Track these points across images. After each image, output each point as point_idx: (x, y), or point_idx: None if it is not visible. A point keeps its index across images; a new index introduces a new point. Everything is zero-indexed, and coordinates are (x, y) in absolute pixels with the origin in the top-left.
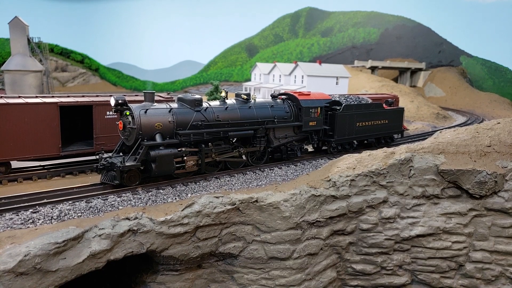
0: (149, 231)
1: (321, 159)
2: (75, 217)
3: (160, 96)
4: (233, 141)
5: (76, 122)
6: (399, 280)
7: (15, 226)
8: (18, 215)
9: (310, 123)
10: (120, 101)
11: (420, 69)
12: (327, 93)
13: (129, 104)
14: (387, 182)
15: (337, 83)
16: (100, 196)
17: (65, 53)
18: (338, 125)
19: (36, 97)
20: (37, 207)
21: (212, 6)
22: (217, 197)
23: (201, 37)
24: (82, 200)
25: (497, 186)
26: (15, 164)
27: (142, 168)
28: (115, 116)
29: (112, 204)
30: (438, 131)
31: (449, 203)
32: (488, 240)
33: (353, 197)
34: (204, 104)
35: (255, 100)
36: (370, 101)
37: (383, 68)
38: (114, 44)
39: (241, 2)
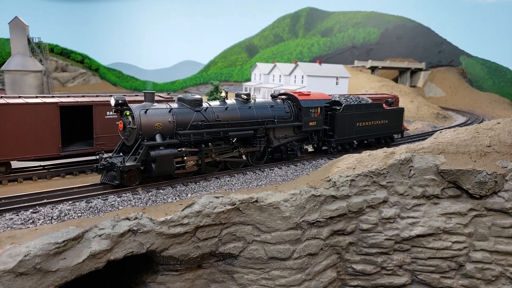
0: (149, 231)
1: (321, 159)
2: (75, 217)
3: (160, 96)
4: (233, 141)
5: (76, 122)
6: (399, 280)
7: (15, 226)
8: (18, 215)
9: (310, 123)
10: (120, 101)
11: (420, 69)
12: (327, 93)
13: (129, 104)
14: (387, 182)
15: (337, 83)
16: (100, 196)
17: (65, 53)
18: (338, 125)
19: (36, 97)
20: (37, 207)
21: (212, 6)
22: (217, 197)
23: (201, 37)
24: (82, 200)
25: (497, 186)
26: (15, 164)
27: (142, 168)
28: (115, 116)
29: (112, 204)
30: (438, 131)
31: (449, 203)
32: (488, 240)
33: (353, 197)
34: (204, 104)
35: (255, 100)
36: (370, 101)
37: (383, 68)
38: (114, 44)
39: (241, 2)
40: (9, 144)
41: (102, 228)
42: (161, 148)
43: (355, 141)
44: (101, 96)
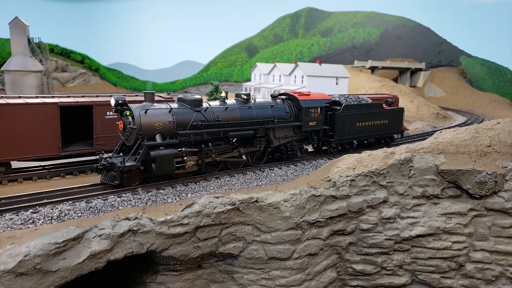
0: (149, 231)
1: (321, 159)
2: (75, 217)
3: (160, 96)
4: (233, 141)
5: (76, 122)
6: (399, 280)
7: (15, 226)
8: (18, 215)
9: (310, 123)
10: (120, 101)
11: (420, 69)
12: (327, 93)
13: (129, 104)
14: (387, 182)
15: (337, 83)
16: (100, 196)
17: (65, 53)
18: (338, 125)
19: (36, 97)
20: (37, 207)
21: (212, 6)
22: (217, 197)
23: (201, 37)
24: (82, 200)
25: (497, 186)
26: (15, 164)
27: (142, 168)
28: (115, 116)
29: (112, 204)
30: (438, 131)
31: (449, 203)
32: (488, 240)
33: (353, 197)
34: (204, 104)
35: (255, 100)
36: (370, 101)
37: (383, 68)
38: (114, 44)
39: (241, 2)
40: (9, 144)
41: (102, 228)
42: (161, 148)
43: (355, 141)
44: (101, 96)
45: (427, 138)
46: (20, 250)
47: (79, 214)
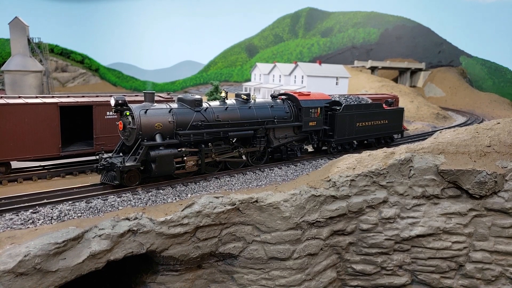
0: (149, 231)
1: (321, 159)
2: (75, 217)
3: (160, 96)
4: (233, 141)
5: (76, 122)
6: (399, 280)
7: (15, 226)
8: (18, 216)
9: (310, 123)
10: (120, 101)
11: (420, 69)
12: (327, 93)
13: (129, 104)
14: (387, 182)
15: (337, 83)
16: (100, 197)
17: (65, 53)
18: (338, 125)
19: (36, 97)
20: (37, 207)
21: (212, 6)
22: (217, 197)
23: (201, 37)
24: (82, 201)
25: (497, 186)
26: (15, 164)
27: (142, 168)
28: (115, 116)
29: (112, 205)
30: (438, 131)
31: (449, 203)
32: (488, 240)
33: (353, 197)
34: (204, 104)
35: (255, 100)
36: (370, 101)
37: (383, 68)
38: (114, 44)
39: (241, 2)
40: (9, 144)
41: (102, 228)
42: (161, 148)
43: (355, 141)
44: (101, 96)
45: (427, 138)
46: (20, 250)
47: (79, 214)
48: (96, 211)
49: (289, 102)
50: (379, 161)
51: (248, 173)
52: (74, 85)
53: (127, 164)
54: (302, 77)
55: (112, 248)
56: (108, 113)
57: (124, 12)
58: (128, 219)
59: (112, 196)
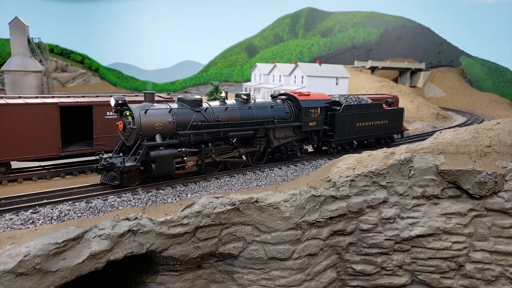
0: (149, 231)
1: (321, 160)
2: (75, 217)
3: (160, 97)
4: (233, 141)
5: (76, 123)
6: (399, 281)
7: (15, 226)
8: (18, 216)
9: (310, 124)
10: (120, 102)
11: (420, 70)
12: (327, 93)
13: (129, 105)
14: (387, 183)
15: (337, 84)
16: (100, 197)
17: (65, 54)
18: (338, 125)
19: (36, 97)
20: (37, 207)
21: (212, 6)
22: (217, 198)
23: (201, 37)
24: (82, 201)
25: (497, 187)
26: (15, 164)
27: (142, 168)
28: (115, 116)
29: (112, 205)
30: (438, 132)
31: (449, 203)
32: (488, 240)
33: (353, 198)
34: (204, 105)
35: (255, 100)
36: (370, 101)
37: (383, 68)
38: (114, 44)
39: (241, 2)
40: (9, 144)
41: (102, 229)
42: (161, 148)
43: (355, 141)
44: (101, 96)
45: (427, 138)
46: (20, 250)
47: (79, 214)
48: (96, 211)
49: (289, 102)
50: (379, 161)
51: (248, 173)
52: (74, 85)
53: (127, 164)
54: (302, 77)
55: (112, 248)
56: (108, 113)
57: (124, 12)
58: (128, 219)
59: (112, 196)
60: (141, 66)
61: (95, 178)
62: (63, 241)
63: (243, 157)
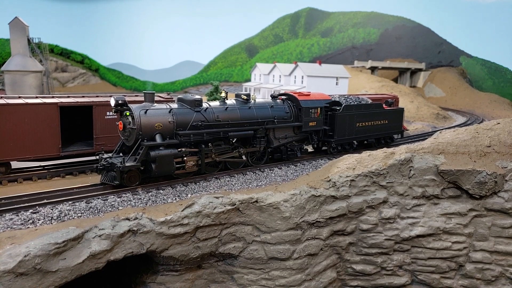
0: (149, 231)
1: (321, 160)
2: (75, 217)
3: (160, 97)
4: (233, 141)
5: (76, 123)
6: (399, 281)
7: (15, 226)
8: (18, 216)
9: (310, 124)
10: (120, 102)
11: (420, 70)
12: (327, 93)
13: (129, 105)
14: (387, 183)
15: (337, 84)
16: (100, 197)
17: (65, 54)
18: (338, 125)
19: (36, 97)
20: (37, 207)
21: (212, 6)
22: (217, 198)
23: (201, 37)
24: (82, 201)
25: (497, 187)
26: (15, 164)
27: (142, 168)
28: (115, 116)
29: (112, 205)
30: (438, 132)
31: (449, 203)
32: (488, 240)
33: (353, 198)
34: (204, 105)
35: (255, 100)
36: (370, 101)
37: (383, 68)
38: (114, 44)
39: (241, 2)
40: (9, 144)
41: (102, 229)
42: (161, 148)
43: (355, 142)
44: (101, 96)
45: (427, 138)
46: (20, 250)
47: (79, 214)
48: (96, 211)
49: (289, 102)
50: (379, 161)
51: (248, 173)
52: (74, 85)
53: (127, 164)
54: (302, 77)
55: (112, 248)
56: (108, 113)
57: (124, 12)
58: (128, 219)
59: (112, 196)
60: (141, 66)
61: (95, 178)
62: (63, 241)
63: (243, 157)
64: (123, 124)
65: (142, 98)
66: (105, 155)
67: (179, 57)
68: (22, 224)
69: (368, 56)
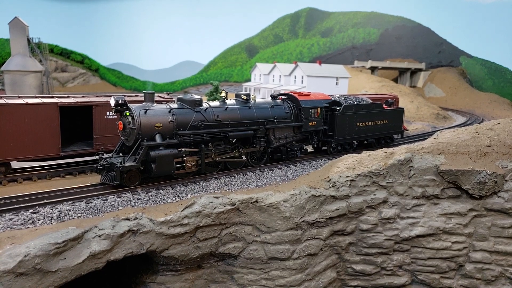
0: (149, 231)
1: (321, 160)
2: (75, 217)
3: (160, 97)
4: (233, 141)
5: (76, 123)
6: (399, 281)
7: (15, 226)
8: (18, 216)
9: (310, 124)
10: (120, 102)
11: (420, 70)
12: (327, 93)
13: (129, 105)
14: (387, 183)
15: (337, 84)
16: (100, 197)
17: (65, 54)
18: (338, 125)
19: (36, 97)
20: (37, 207)
21: (212, 6)
22: (217, 198)
23: (201, 37)
24: (82, 201)
25: (497, 187)
26: (15, 164)
27: (142, 168)
28: (115, 116)
29: (112, 205)
30: (438, 132)
31: (449, 203)
32: (488, 240)
33: (353, 198)
34: (204, 105)
35: (255, 100)
36: (370, 101)
37: (383, 68)
38: (114, 44)
39: (241, 2)
40: (9, 144)
41: (102, 229)
42: (161, 148)
43: (355, 142)
44: (101, 96)
45: (427, 138)
46: (20, 250)
47: (79, 214)
48: (96, 211)
49: (289, 102)
50: (379, 161)
51: (248, 173)
52: (74, 85)
53: (127, 164)
54: (302, 77)
55: (112, 248)
56: (108, 113)
57: (124, 12)
58: (128, 219)
59: (112, 196)
60: (141, 66)
61: (95, 178)
62: (63, 241)
63: (243, 157)
64: (123, 124)
65: (142, 98)
66: (105, 155)
67: (179, 57)
68: (22, 224)
69: (368, 56)
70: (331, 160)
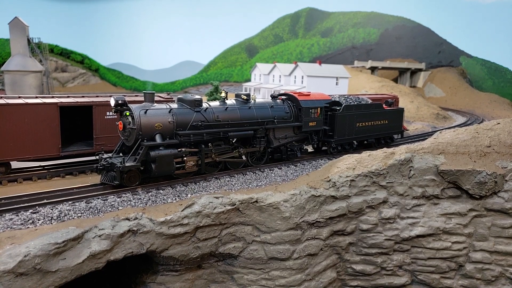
0: (149, 231)
1: (321, 160)
2: (75, 217)
3: (160, 97)
4: (233, 141)
5: (76, 123)
6: (399, 281)
7: (15, 226)
8: (18, 216)
9: (310, 124)
10: (120, 102)
11: (420, 70)
12: (327, 93)
13: (129, 105)
14: (387, 183)
15: (337, 84)
16: (100, 197)
17: (65, 54)
18: (338, 125)
19: (36, 97)
20: (37, 207)
21: (212, 6)
22: (217, 198)
23: (201, 37)
24: (82, 201)
25: (497, 187)
26: (15, 164)
27: (142, 168)
28: (115, 116)
29: (112, 205)
30: (438, 132)
31: (449, 203)
32: (488, 240)
33: (353, 198)
34: (204, 105)
35: (255, 100)
36: (370, 101)
37: (383, 68)
38: (114, 44)
39: (241, 2)
40: (9, 144)
41: (102, 229)
42: (161, 148)
43: (355, 142)
44: (101, 96)
45: (427, 138)
46: (20, 250)
47: (79, 214)
48: (96, 211)
49: (289, 102)
50: (379, 162)
51: (248, 173)
52: (74, 85)
53: (127, 164)
54: (302, 77)
55: (112, 248)
56: (108, 113)
57: (124, 12)
58: (128, 219)
59: (112, 196)
60: (141, 66)
61: (95, 178)
62: (63, 241)
63: (243, 157)
64: (123, 124)
65: (142, 98)
66: (105, 155)
67: (179, 57)
68: (22, 224)
69: (368, 56)
70: (331, 160)
